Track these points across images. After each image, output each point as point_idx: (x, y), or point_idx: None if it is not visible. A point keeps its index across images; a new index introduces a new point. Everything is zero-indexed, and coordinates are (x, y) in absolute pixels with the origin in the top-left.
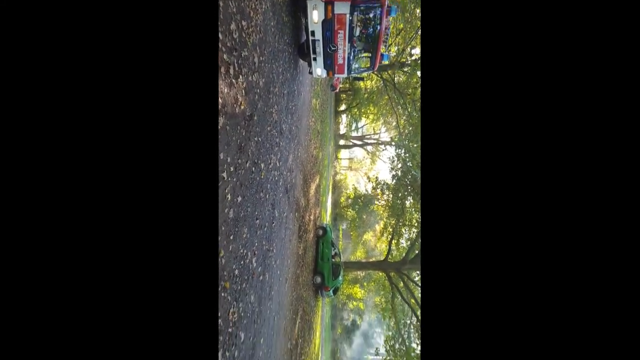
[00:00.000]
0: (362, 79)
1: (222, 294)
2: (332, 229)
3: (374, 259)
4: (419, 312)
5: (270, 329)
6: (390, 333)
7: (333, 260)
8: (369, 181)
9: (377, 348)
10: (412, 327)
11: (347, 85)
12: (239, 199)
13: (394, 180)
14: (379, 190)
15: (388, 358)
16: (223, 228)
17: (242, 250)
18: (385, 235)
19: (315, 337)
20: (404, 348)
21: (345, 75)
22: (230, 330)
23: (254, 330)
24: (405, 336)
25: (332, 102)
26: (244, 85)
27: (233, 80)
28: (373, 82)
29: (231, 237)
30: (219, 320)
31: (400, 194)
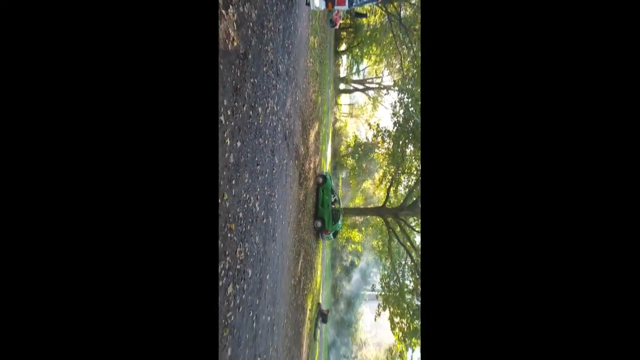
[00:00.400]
0: (365, 15)
1: (229, 235)
2: (332, 177)
3: (372, 206)
4: (413, 254)
5: (275, 267)
6: (386, 272)
7: (333, 206)
8: (370, 128)
9: (373, 285)
10: (406, 267)
11: (348, 22)
12: (238, 144)
13: (395, 127)
14: (379, 138)
15: (383, 293)
16: (225, 172)
17: (244, 195)
18: (384, 182)
19: (316, 276)
20: (398, 285)
21: (346, 7)
22: (238, 267)
23: (260, 267)
24: (400, 275)
25: (331, 41)
26: (235, 18)
27: (222, 11)
28: (377, 16)
29: (233, 182)
30: (228, 259)
31: (401, 142)
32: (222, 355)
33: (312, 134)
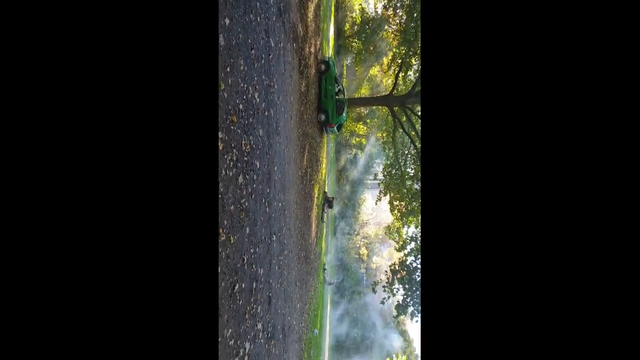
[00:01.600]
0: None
1: (232, 128)
2: (335, 63)
3: (378, 95)
4: (417, 143)
5: (281, 160)
6: (388, 162)
7: (337, 97)
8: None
9: (375, 174)
10: (409, 156)
11: None
12: (227, 21)
13: None
14: (390, 11)
15: (385, 181)
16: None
17: (242, 85)
18: (392, 68)
19: (321, 168)
20: (399, 173)
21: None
22: (246, 159)
23: (267, 160)
24: (402, 163)
25: None
26: None
27: None
28: None
29: (228, 69)
30: (234, 151)
31: (415, 14)
32: (241, 233)
33: (311, 8)
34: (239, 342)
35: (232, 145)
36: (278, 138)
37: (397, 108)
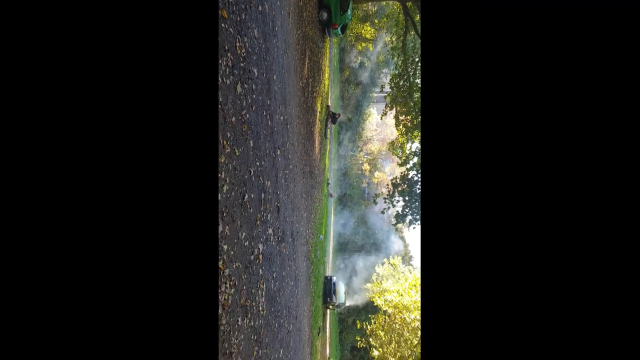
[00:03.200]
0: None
1: (223, 25)
2: None
3: None
4: None
5: (280, 67)
6: (396, 72)
7: None
8: None
9: (382, 85)
10: (419, 64)
11: None
12: None
13: None
14: None
15: (391, 93)
16: None
17: None
18: None
19: (324, 78)
20: (407, 84)
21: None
22: (242, 64)
23: (265, 67)
24: (411, 73)
25: None
26: None
27: None
28: None
29: None
30: (229, 55)
31: None
32: (245, 146)
33: None
34: (252, 243)
35: (226, 48)
36: (275, 41)
37: (410, 3)
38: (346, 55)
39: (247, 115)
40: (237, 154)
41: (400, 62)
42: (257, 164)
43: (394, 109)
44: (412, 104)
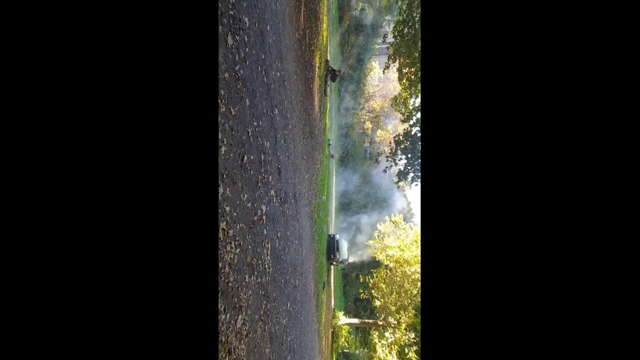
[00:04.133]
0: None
1: None
2: None
3: None
4: None
5: (274, 16)
6: (400, 18)
7: None
8: None
9: (384, 35)
10: None
11: None
12: None
13: None
14: None
15: (395, 43)
16: None
17: None
18: None
19: (322, 29)
20: (412, 32)
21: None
22: (231, 13)
23: (257, 15)
24: (417, 19)
25: None
26: None
27: None
28: None
29: None
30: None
31: None
32: (241, 105)
33: None
34: (255, 204)
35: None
36: None
37: None
38: (345, 2)
39: (241, 71)
40: (233, 113)
41: (404, 7)
42: (255, 124)
43: (397, 61)
44: (416, 54)
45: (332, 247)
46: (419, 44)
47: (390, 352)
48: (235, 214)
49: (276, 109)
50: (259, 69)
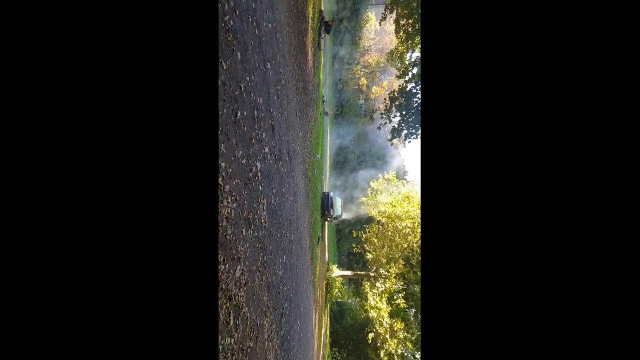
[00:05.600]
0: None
1: None
2: None
3: None
4: None
5: None
6: None
7: None
8: None
9: None
10: None
11: None
12: None
13: None
14: None
15: None
16: None
17: None
18: None
19: None
20: None
21: None
22: None
23: None
24: None
25: None
26: None
27: None
28: None
29: None
30: None
31: None
32: (233, 59)
33: None
34: (250, 161)
35: None
36: None
37: None
38: None
39: (231, 22)
40: (225, 67)
41: None
42: (247, 78)
43: (395, 11)
44: (414, 4)
45: (326, 203)
46: None
47: (380, 300)
48: (230, 169)
49: (268, 63)
50: (250, 19)
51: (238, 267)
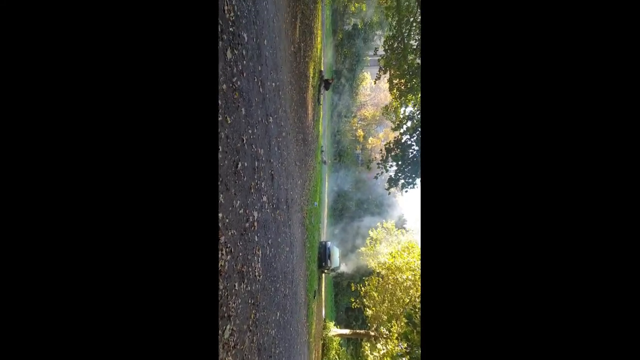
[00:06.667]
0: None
1: None
2: None
3: None
4: None
5: (271, 31)
6: (390, 33)
7: None
8: None
9: (376, 48)
10: (414, 24)
11: None
12: None
13: None
14: None
15: (385, 56)
16: None
17: None
18: None
19: (316, 42)
20: (402, 46)
21: None
22: (231, 29)
23: (256, 31)
24: (406, 34)
25: None
26: None
27: None
28: None
29: None
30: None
31: None
32: (237, 114)
33: None
34: (247, 210)
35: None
36: (265, 3)
37: None
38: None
39: (238, 83)
40: (229, 122)
41: (394, 23)
42: (250, 131)
43: (388, 72)
44: (406, 66)
45: (323, 254)
46: (408, 57)
47: None
48: (227, 220)
49: (271, 117)
50: (255, 79)
51: (228, 327)
